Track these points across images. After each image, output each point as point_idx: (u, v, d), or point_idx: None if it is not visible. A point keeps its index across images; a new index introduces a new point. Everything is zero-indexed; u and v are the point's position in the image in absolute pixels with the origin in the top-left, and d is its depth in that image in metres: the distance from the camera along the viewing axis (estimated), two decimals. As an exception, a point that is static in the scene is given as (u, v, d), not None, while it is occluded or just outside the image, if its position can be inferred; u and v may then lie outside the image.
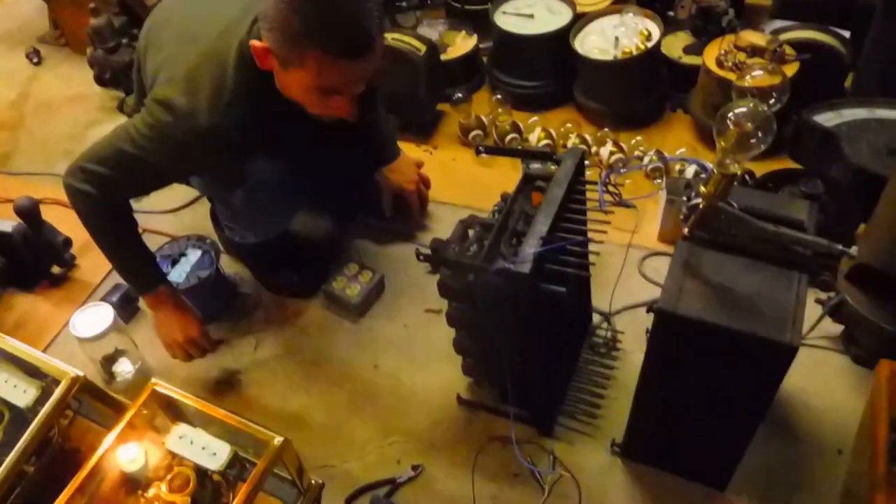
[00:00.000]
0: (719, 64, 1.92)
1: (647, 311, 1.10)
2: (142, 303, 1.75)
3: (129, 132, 1.37)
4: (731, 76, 1.89)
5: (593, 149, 2.03)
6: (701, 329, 1.06)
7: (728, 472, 1.34)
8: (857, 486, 1.17)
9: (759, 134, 0.96)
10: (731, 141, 0.99)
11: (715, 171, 1.01)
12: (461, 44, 2.31)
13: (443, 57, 2.22)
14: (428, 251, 1.28)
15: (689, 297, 1.08)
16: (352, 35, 1.20)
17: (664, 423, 1.32)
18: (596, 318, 1.67)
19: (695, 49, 2.15)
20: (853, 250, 1.04)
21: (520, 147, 2.07)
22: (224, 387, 1.65)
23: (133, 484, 1.25)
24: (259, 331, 1.76)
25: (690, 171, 1.92)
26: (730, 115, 0.96)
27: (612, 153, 1.98)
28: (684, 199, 1.70)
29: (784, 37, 1.94)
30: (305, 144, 1.52)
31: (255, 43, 1.24)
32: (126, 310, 1.76)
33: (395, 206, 1.87)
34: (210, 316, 1.77)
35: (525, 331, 1.27)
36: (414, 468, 1.46)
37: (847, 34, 1.96)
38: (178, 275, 1.68)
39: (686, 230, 1.11)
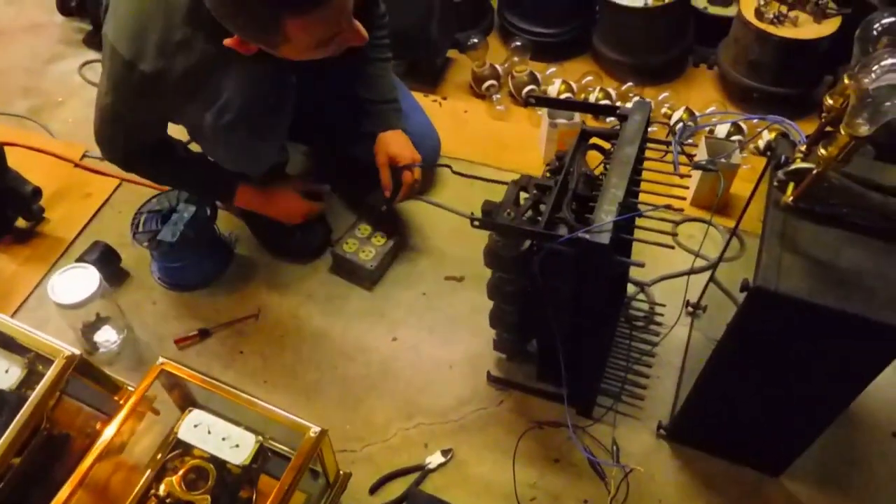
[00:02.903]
0: (759, 15, 1.78)
1: (741, 290, 0.98)
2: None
3: (100, 88, 1.30)
4: (772, 29, 1.76)
5: (618, 104, 1.88)
6: (805, 310, 0.94)
7: (789, 459, 1.25)
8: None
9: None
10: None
11: (842, 131, 0.88)
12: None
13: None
14: (478, 217, 1.12)
15: (790, 274, 0.96)
16: None
17: (727, 407, 1.21)
18: (630, 288, 1.55)
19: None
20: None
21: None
22: (226, 359, 1.48)
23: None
24: (261, 298, 1.58)
25: (722, 130, 1.79)
26: (874, 66, 0.82)
27: (639, 109, 1.84)
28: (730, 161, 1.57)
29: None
30: (278, 74, 1.33)
31: (228, 42, 1.12)
32: (109, 271, 1.55)
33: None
34: (206, 279, 1.59)
35: (586, 305, 1.13)
36: (444, 453, 1.33)
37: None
38: (168, 233, 1.48)
39: (790, 198, 0.98)
